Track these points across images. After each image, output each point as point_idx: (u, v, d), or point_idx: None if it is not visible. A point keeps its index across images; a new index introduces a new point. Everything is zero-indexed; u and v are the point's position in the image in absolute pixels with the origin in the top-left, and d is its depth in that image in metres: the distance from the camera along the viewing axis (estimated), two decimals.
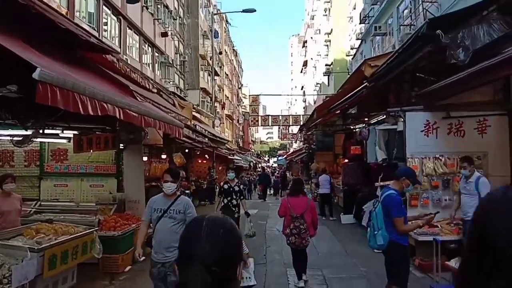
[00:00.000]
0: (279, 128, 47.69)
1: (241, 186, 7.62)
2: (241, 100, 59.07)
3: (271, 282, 5.95)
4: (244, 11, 22.39)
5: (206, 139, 15.59)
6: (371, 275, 5.95)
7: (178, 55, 23.75)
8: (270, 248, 8.21)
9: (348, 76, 16.62)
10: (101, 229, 6.04)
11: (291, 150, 48.71)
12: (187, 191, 12.56)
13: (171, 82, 20.54)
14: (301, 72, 63.67)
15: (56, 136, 6.76)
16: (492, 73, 4.40)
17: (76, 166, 7.95)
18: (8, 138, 6.59)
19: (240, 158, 32.20)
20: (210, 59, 28.60)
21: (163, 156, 12.54)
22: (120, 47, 14.51)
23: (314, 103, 38.74)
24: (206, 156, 19.56)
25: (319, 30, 45.03)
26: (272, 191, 24.74)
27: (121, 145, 7.56)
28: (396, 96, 7.62)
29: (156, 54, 19.39)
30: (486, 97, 6.55)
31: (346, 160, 13.94)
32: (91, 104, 3.78)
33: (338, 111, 10.69)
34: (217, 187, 12.21)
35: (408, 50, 6.14)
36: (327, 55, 40.22)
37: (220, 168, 22.68)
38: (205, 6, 30.75)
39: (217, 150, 19.51)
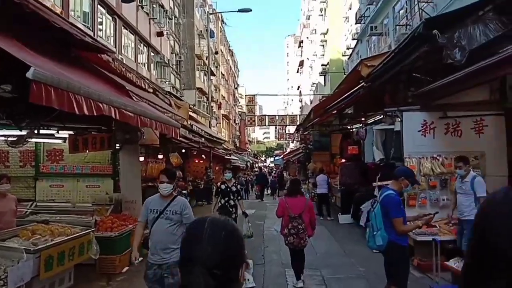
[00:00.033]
0: (275, 128, 47.66)
1: (238, 186, 7.59)
2: (238, 100, 59.07)
3: (270, 282, 5.94)
4: (239, 10, 22.38)
5: (203, 139, 15.54)
6: (370, 275, 5.96)
7: (174, 54, 23.67)
8: (268, 249, 8.19)
9: (344, 76, 16.63)
10: (97, 230, 6.00)
11: (288, 150, 48.80)
12: (184, 191, 12.52)
13: (167, 82, 20.48)
14: (297, 72, 63.69)
15: (51, 136, 6.69)
16: (489, 73, 4.40)
17: (72, 166, 7.88)
18: (3, 138, 6.53)
19: (237, 158, 32.17)
20: (206, 59, 28.59)
21: (160, 156, 12.50)
22: (115, 47, 14.43)
23: (311, 103, 38.82)
24: (203, 156, 19.53)
25: (315, 30, 45.13)
26: (269, 191, 24.76)
27: (117, 145, 7.50)
28: (393, 96, 7.62)
29: (152, 54, 19.31)
30: (482, 97, 6.57)
31: (344, 160, 13.98)
32: (86, 104, 3.74)
33: (335, 111, 10.69)
34: (214, 187, 12.17)
35: (404, 50, 6.13)
36: (323, 55, 40.26)
37: (217, 168, 22.64)
38: (201, 6, 30.68)
39: (214, 150, 19.47)
